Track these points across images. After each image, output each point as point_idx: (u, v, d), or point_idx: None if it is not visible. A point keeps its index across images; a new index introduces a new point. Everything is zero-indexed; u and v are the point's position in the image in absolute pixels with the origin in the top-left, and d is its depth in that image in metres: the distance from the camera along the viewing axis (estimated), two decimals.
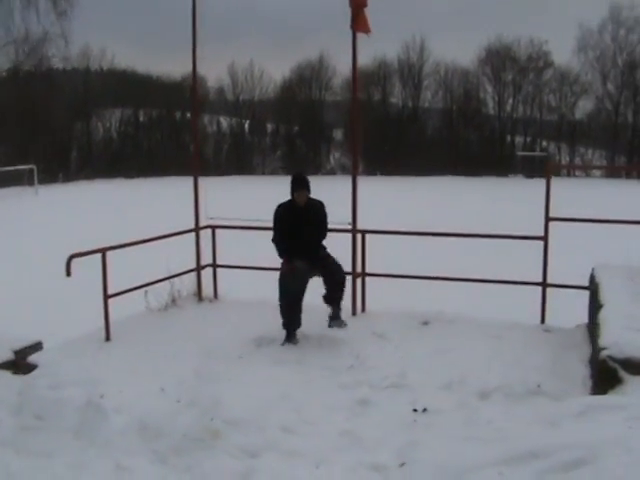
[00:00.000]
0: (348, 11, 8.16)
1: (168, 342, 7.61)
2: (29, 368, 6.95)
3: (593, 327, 6.05)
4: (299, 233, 7.55)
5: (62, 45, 49.04)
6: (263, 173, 68.09)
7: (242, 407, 5.13)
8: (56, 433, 5.43)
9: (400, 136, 64.38)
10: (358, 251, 8.71)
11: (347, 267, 8.57)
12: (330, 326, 7.59)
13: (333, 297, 7.60)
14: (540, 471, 3.87)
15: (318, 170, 68.15)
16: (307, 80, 69.97)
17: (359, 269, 8.81)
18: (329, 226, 7.82)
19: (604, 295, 6.34)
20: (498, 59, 67.15)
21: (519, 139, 69.16)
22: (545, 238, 8.22)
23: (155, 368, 6.66)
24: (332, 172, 67.55)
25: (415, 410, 5.33)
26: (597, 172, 63.30)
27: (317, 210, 7.68)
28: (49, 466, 4.97)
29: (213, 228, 9.55)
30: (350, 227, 8.60)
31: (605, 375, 4.99)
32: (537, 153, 65.98)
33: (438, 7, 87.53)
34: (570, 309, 8.46)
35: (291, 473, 4.37)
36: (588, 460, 3.82)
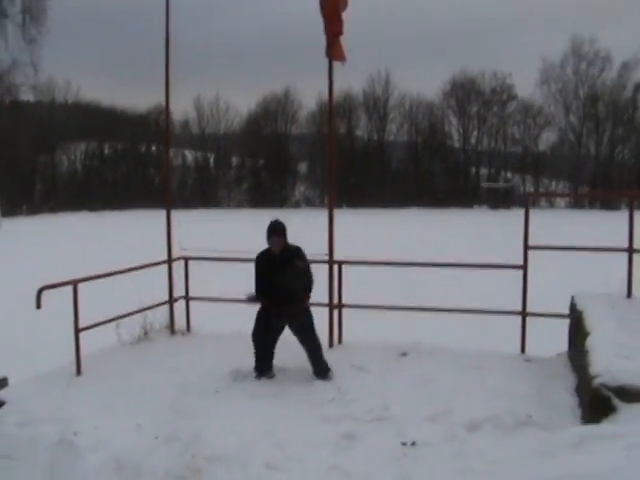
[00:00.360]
0: (323, 39, 8.11)
1: (142, 376, 7.37)
2: None
3: (580, 355, 5.97)
4: (274, 283, 7.33)
5: (31, 73, 48.20)
6: (228, 206, 67.81)
7: (223, 443, 4.93)
8: (27, 473, 5.19)
9: (366, 168, 64.74)
10: (334, 282, 8.58)
11: (324, 298, 8.46)
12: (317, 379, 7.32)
13: (309, 358, 7.43)
14: None
15: (284, 203, 68.18)
16: (273, 113, 70.20)
17: (335, 300, 8.67)
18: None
19: (590, 323, 6.28)
20: (463, 92, 68.16)
21: (484, 171, 70.03)
22: (524, 267, 8.18)
23: (130, 403, 6.42)
24: (297, 205, 67.59)
25: (404, 444, 5.17)
26: (561, 202, 64.16)
27: (293, 257, 7.34)
28: None
29: (186, 260, 9.36)
30: (327, 258, 8.47)
31: (598, 403, 4.89)
32: (501, 184, 66.82)
33: (403, 41, 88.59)
34: (547, 338, 8.40)
35: None
36: None
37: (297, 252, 7.41)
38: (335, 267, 8.59)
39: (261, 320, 7.43)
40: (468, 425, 5.43)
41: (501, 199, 63.10)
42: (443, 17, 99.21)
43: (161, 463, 4.74)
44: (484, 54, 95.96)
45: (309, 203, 68.81)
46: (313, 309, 7.64)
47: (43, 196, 62.19)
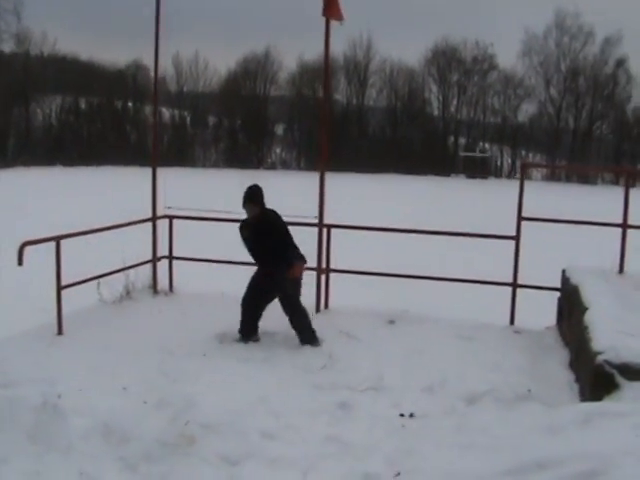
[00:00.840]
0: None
1: (125, 337, 7.16)
2: None
3: (578, 330, 5.86)
4: (252, 251, 7.19)
5: (13, 21, 46.34)
6: (203, 166, 67.11)
7: (218, 410, 4.76)
8: (8, 437, 4.93)
9: (344, 133, 64.32)
10: (323, 246, 8.41)
11: (312, 262, 8.28)
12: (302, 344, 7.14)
13: (292, 326, 7.22)
14: None
15: (260, 164, 67.69)
16: (252, 73, 69.32)
17: (324, 265, 8.50)
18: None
19: (587, 297, 6.17)
20: (444, 60, 67.83)
21: (462, 140, 69.99)
22: (517, 238, 8.06)
23: (114, 365, 6.21)
24: (273, 167, 67.13)
25: (402, 415, 5.05)
26: (537, 175, 64.40)
27: (267, 225, 7.07)
28: (2, 473, 4.50)
29: (170, 218, 9.10)
30: (316, 221, 8.28)
31: (601, 380, 4.78)
32: (479, 154, 66.90)
33: (386, 6, 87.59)
34: (534, 310, 8.34)
35: None
36: (600, 471, 3.58)
37: (274, 219, 7.14)
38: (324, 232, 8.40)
39: (254, 283, 7.24)
40: (466, 398, 5.33)
41: (478, 169, 63.20)
42: None
43: (152, 429, 4.55)
44: (467, 23, 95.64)
45: (285, 165, 68.43)
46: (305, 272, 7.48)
47: (17, 149, 60.98)
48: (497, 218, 21.79)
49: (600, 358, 4.87)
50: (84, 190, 35.77)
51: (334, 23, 8.11)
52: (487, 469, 3.87)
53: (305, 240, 7.80)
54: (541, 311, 8.44)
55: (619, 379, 4.75)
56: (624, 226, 7.85)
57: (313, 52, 74.61)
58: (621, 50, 63.44)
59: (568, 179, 61.27)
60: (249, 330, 7.25)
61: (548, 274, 8.51)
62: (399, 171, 61.54)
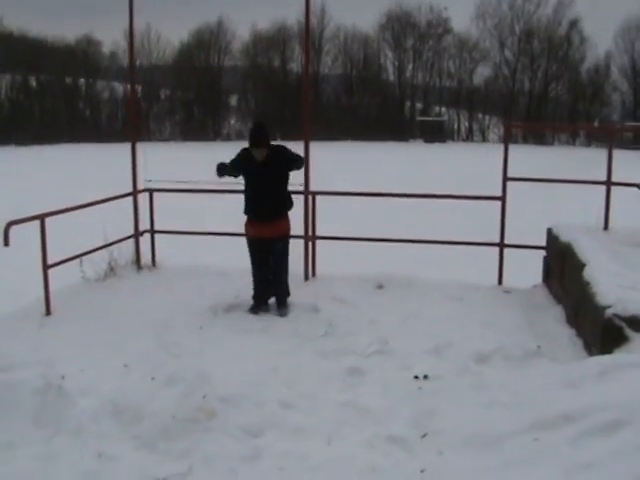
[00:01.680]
0: None
1: (116, 314, 7.04)
2: None
3: (578, 286, 5.90)
4: (254, 191, 7.04)
5: None
6: (158, 140, 66.16)
7: (232, 382, 4.69)
8: (12, 422, 4.78)
9: (299, 101, 63.86)
10: (310, 213, 8.33)
11: (299, 230, 8.22)
12: (279, 314, 7.15)
13: (274, 285, 7.23)
14: (578, 434, 3.64)
15: (217, 136, 67.04)
16: (205, 44, 68.34)
17: (310, 232, 8.44)
18: None
19: (584, 254, 6.21)
20: (398, 25, 67.64)
21: (418, 105, 70.09)
22: (503, 198, 8.08)
23: (110, 343, 6.11)
24: (228, 138, 66.44)
25: (416, 377, 5.03)
26: (494, 137, 64.93)
27: (278, 160, 6.96)
28: (11, 458, 4.36)
29: (151, 192, 8.92)
30: (302, 189, 8.19)
31: (611, 334, 4.84)
32: (435, 118, 67.08)
33: None
34: (517, 269, 8.42)
35: (302, 452, 3.99)
36: (626, 420, 3.62)
37: (282, 154, 7.01)
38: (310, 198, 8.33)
39: (253, 251, 7.21)
40: (475, 357, 5.34)
41: (435, 133, 63.43)
42: None
43: (165, 405, 4.45)
44: None
45: (240, 136, 67.81)
46: None
47: None
48: (471, 178, 21.98)
49: (609, 312, 4.92)
50: (45, 169, 34.91)
51: None
52: (513, 425, 3.89)
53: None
54: (523, 270, 8.52)
55: (628, 331, 4.81)
56: (608, 183, 7.91)
57: (266, 21, 73.86)
58: (574, 11, 64.04)
59: (525, 140, 61.83)
60: (260, 300, 7.24)
61: (530, 234, 8.58)
62: (356, 138, 61.45)
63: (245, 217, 7.24)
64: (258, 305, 7.19)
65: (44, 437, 4.54)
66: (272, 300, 7.33)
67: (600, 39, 77.18)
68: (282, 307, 7.18)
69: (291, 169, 7.07)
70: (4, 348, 5.97)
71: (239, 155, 7.10)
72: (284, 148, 7.08)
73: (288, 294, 7.30)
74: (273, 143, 7.05)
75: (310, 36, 8.44)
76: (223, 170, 6.96)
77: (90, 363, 5.54)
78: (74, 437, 4.51)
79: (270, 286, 7.25)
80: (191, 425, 4.25)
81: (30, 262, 8.33)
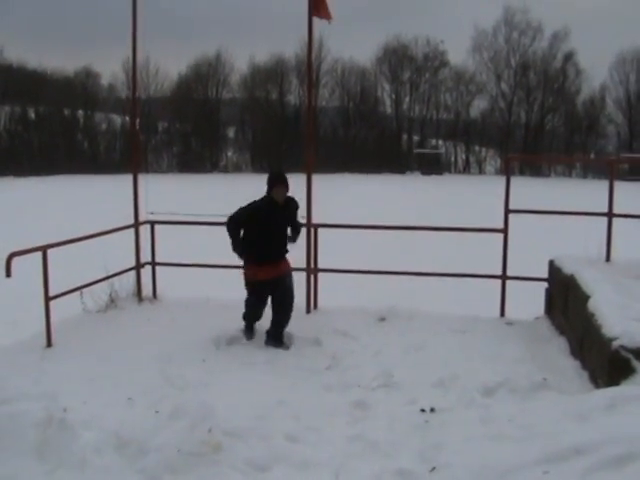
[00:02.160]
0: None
1: (118, 347, 6.99)
2: None
3: (582, 318, 5.88)
4: (270, 234, 7.07)
5: None
6: (156, 171, 66.31)
7: (238, 416, 4.65)
8: (13, 455, 4.72)
9: (297, 134, 64.19)
10: (311, 246, 8.34)
11: (301, 262, 8.22)
12: (266, 343, 7.12)
13: (277, 319, 7.20)
14: (588, 468, 3.60)
15: (215, 167, 67.27)
16: (204, 77, 68.84)
17: (312, 264, 8.43)
18: None
19: (587, 285, 6.20)
20: (395, 58, 68.28)
21: (415, 137, 70.50)
22: (505, 230, 8.10)
23: (113, 376, 6.05)
24: (225, 170, 66.64)
25: (423, 410, 5.00)
26: (491, 169, 65.28)
27: (293, 209, 7.20)
28: None
29: (152, 224, 8.93)
30: (304, 222, 8.20)
31: (617, 365, 4.81)
32: (432, 150, 67.43)
33: (337, 5, 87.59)
34: (518, 302, 8.41)
35: None
36: (636, 454, 3.60)
37: (298, 206, 7.26)
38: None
39: (254, 292, 7.21)
40: (481, 390, 5.31)
41: (432, 165, 63.70)
42: None
43: (170, 439, 4.41)
44: (417, 20, 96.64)
45: (237, 168, 68.03)
46: None
47: None
48: (469, 210, 22.00)
49: (615, 344, 4.90)
50: (45, 201, 34.92)
51: (318, 22, 8.10)
52: (522, 458, 3.85)
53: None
54: (525, 302, 8.51)
55: (635, 363, 4.78)
56: (610, 215, 7.94)
57: (264, 54, 74.54)
58: (569, 44, 64.80)
59: (522, 172, 62.08)
60: (251, 329, 7.32)
61: (531, 266, 8.58)
62: (353, 170, 61.67)
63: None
64: (249, 334, 7.30)
65: (46, 470, 4.48)
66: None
67: (595, 72, 77.79)
68: (277, 343, 7.13)
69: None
70: (5, 380, 5.90)
71: (256, 204, 7.05)
72: (297, 204, 7.27)
73: (283, 342, 7.22)
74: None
75: (312, 70, 8.49)
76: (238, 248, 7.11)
77: (93, 396, 5.50)
78: (77, 471, 4.45)
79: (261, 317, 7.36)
80: (196, 459, 4.20)
81: (30, 293, 8.32)
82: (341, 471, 4.13)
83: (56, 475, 4.45)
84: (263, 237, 7.01)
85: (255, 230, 6.99)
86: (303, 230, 7.93)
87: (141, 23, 8.43)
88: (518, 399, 5.03)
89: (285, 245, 7.20)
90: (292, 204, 7.16)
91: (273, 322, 7.18)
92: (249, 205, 7.04)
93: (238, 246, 7.07)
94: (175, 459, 4.28)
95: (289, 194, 7.12)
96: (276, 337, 7.12)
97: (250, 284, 7.19)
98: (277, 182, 6.98)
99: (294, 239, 7.27)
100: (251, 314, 7.31)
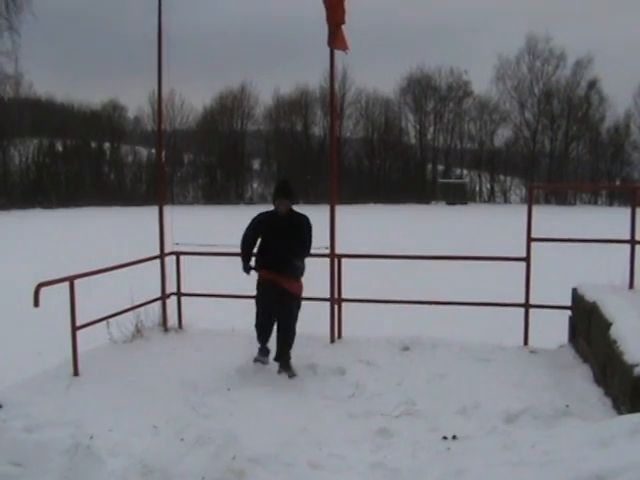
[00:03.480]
0: (325, 28, 7.93)
1: (144, 376, 7.07)
2: None
3: (605, 345, 5.88)
4: (270, 243, 7.26)
5: (7, 62, 44.85)
6: (181, 203, 66.90)
7: (263, 443, 4.70)
8: None
9: (322, 165, 64.56)
10: (335, 276, 8.40)
11: (320, 293, 8.28)
12: (278, 372, 7.18)
13: (277, 340, 7.29)
14: None
15: (241, 200, 67.69)
16: (228, 109, 69.59)
17: (335, 294, 8.49)
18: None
19: (610, 313, 6.20)
20: (419, 88, 68.57)
21: (440, 167, 70.57)
22: (527, 259, 8.11)
23: (138, 404, 6.13)
24: (251, 201, 67.03)
25: (445, 438, 5.02)
26: (517, 198, 64.97)
27: (298, 223, 7.27)
28: None
29: (177, 255, 9.06)
30: (327, 252, 8.28)
31: None
32: (457, 180, 67.39)
33: (361, 37, 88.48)
34: (541, 330, 8.40)
35: None
36: None
37: (307, 222, 7.30)
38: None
39: (260, 289, 7.33)
40: (504, 417, 5.32)
41: (456, 195, 63.63)
42: (401, 14, 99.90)
43: (194, 466, 4.47)
44: (441, 51, 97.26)
45: (263, 199, 68.35)
46: (310, 303, 7.49)
47: None
48: (494, 239, 21.94)
49: (638, 370, 4.89)
50: (71, 232, 35.36)
51: (338, 54, 8.23)
52: None
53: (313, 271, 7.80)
54: (549, 330, 8.50)
55: None
56: (632, 242, 7.93)
57: (289, 86, 75.28)
58: (592, 72, 64.65)
59: (547, 201, 61.81)
60: (262, 346, 7.34)
61: (555, 294, 8.57)
62: (378, 201, 61.81)
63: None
64: (261, 352, 7.33)
65: None
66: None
67: (619, 99, 77.53)
68: (284, 369, 7.16)
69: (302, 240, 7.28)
70: (33, 408, 6.01)
71: (259, 216, 7.41)
72: (308, 220, 7.33)
73: (289, 358, 7.27)
74: (299, 212, 7.34)
75: (335, 101, 8.61)
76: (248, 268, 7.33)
77: (119, 423, 5.57)
78: None
79: (271, 331, 7.37)
80: None
81: (57, 323, 8.44)
82: None
83: None
84: (265, 244, 7.31)
85: (261, 240, 7.34)
86: (325, 260, 8.02)
87: (166, 56, 8.62)
88: (541, 426, 5.02)
89: (288, 256, 7.10)
90: (300, 220, 7.28)
91: (276, 343, 7.29)
92: (253, 219, 7.41)
93: (244, 262, 7.34)
94: None
95: (303, 212, 7.35)
96: (280, 360, 7.21)
97: (257, 286, 7.34)
98: (277, 195, 7.31)
99: (301, 255, 7.21)
100: (257, 323, 7.31)
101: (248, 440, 4.66)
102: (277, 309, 7.22)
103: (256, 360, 7.26)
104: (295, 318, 7.31)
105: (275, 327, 7.32)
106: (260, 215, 7.42)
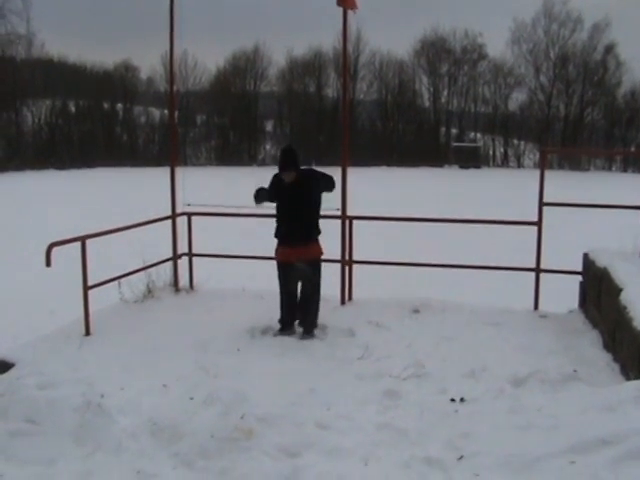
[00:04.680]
0: None
1: (154, 335, 7.14)
2: (4, 366, 6.40)
3: (615, 311, 5.87)
4: (283, 213, 7.18)
5: (18, 22, 44.14)
6: (194, 165, 66.83)
7: (270, 403, 4.75)
8: (53, 438, 4.89)
9: (335, 127, 64.18)
10: (346, 238, 8.40)
11: (332, 254, 8.28)
12: (302, 337, 7.14)
13: (300, 307, 7.29)
14: (615, 459, 3.65)
15: (253, 160, 67.57)
16: (242, 70, 69.13)
17: (347, 256, 8.49)
18: None
19: (620, 278, 6.18)
20: (433, 51, 67.78)
21: (453, 130, 70.03)
22: (539, 223, 8.07)
23: (149, 363, 6.19)
24: (263, 163, 66.86)
25: (453, 400, 5.06)
26: (530, 163, 64.50)
27: (307, 182, 7.04)
28: (51, 474, 4.45)
29: (189, 215, 9.08)
30: (339, 213, 8.25)
31: None
32: (470, 144, 66.93)
33: None
34: (552, 294, 8.39)
35: (339, 472, 4.01)
36: None
37: (311, 176, 7.13)
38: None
39: (281, 274, 7.28)
40: (512, 381, 5.34)
41: (470, 158, 63.24)
42: None
43: (204, 425, 4.53)
44: (456, 13, 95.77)
45: (275, 161, 68.10)
46: (322, 265, 7.47)
47: (7, 154, 60.50)
48: (507, 204, 21.86)
49: None
50: (86, 192, 35.46)
51: (349, 13, 8.11)
52: (550, 448, 3.89)
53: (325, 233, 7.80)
54: (560, 295, 8.49)
55: None
56: None
57: (302, 47, 74.54)
58: (610, 36, 63.59)
59: (560, 166, 61.33)
60: (286, 322, 7.28)
61: (566, 259, 8.55)
62: (391, 164, 61.56)
63: (276, 240, 7.35)
64: (284, 329, 7.25)
65: (84, 454, 4.63)
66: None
67: (636, 64, 76.39)
68: (306, 336, 7.14)
69: (322, 190, 7.16)
70: (45, 367, 6.10)
71: (271, 181, 7.25)
72: (313, 171, 7.24)
73: (315, 325, 7.26)
74: (303, 167, 7.15)
75: (348, 62, 8.52)
76: (259, 197, 7.11)
77: (129, 382, 5.64)
78: (113, 455, 4.59)
79: (296, 310, 7.31)
80: (229, 444, 4.31)
81: (68, 282, 8.52)
82: (370, 458, 4.20)
83: (93, 458, 4.59)
84: (279, 215, 7.21)
85: (276, 208, 7.23)
86: (336, 222, 8.01)
87: (179, 16, 8.53)
88: (548, 390, 5.04)
89: (307, 229, 7.09)
90: (307, 179, 7.06)
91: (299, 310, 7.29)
92: (270, 182, 7.24)
93: (257, 196, 7.17)
94: (208, 444, 4.40)
95: (308, 168, 7.25)
96: (304, 326, 7.21)
97: (277, 264, 7.34)
98: (281, 169, 7.01)
99: (329, 188, 7.18)
100: (281, 303, 7.31)
101: (257, 400, 4.72)
102: (299, 279, 7.20)
103: (276, 335, 7.21)
104: (315, 286, 7.23)
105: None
106: (273, 177, 7.21)
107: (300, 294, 7.28)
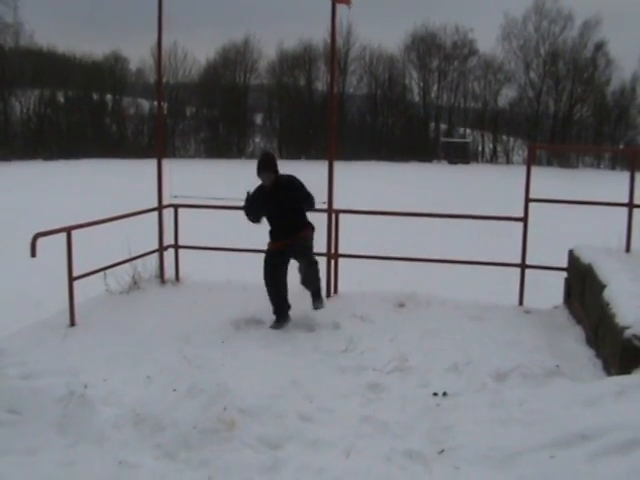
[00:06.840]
0: None
1: (139, 327, 7.15)
2: None
3: (598, 307, 5.91)
4: (271, 218, 7.32)
5: (6, 10, 44.07)
6: (183, 157, 66.66)
7: (252, 395, 4.75)
8: (35, 428, 4.87)
9: (324, 121, 64.05)
10: (332, 231, 8.41)
11: (322, 248, 8.29)
12: (314, 308, 7.30)
13: (304, 281, 7.32)
14: (594, 453, 3.67)
15: (242, 153, 67.47)
16: (232, 63, 68.96)
17: (332, 250, 8.51)
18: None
19: (604, 275, 6.22)
20: (424, 46, 67.88)
21: (443, 126, 70.16)
22: (525, 219, 8.10)
23: (133, 355, 6.18)
24: (252, 156, 66.75)
25: (435, 394, 5.08)
26: (519, 159, 64.70)
27: (287, 185, 7.22)
28: (34, 464, 4.43)
29: (175, 207, 9.06)
30: (325, 207, 8.27)
31: (629, 354, 4.84)
32: (460, 139, 67.06)
33: None
34: (536, 290, 8.44)
35: (320, 464, 4.02)
36: None
37: (290, 183, 7.25)
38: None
39: (268, 260, 7.30)
40: (494, 375, 5.37)
41: (459, 154, 63.39)
42: None
43: (186, 416, 4.53)
44: (446, 8, 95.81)
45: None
46: None
47: None
48: (494, 200, 21.94)
49: (628, 332, 4.93)
50: (74, 184, 35.27)
51: (340, 7, 8.11)
52: (530, 442, 3.91)
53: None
54: (544, 291, 8.55)
55: None
56: (630, 205, 7.91)
57: (292, 40, 74.51)
58: (600, 34, 63.91)
59: (549, 163, 61.55)
60: (281, 313, 7.31)
61: (551, 256, 8.60)
62: (380, 158, 61.60)
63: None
64: (279, 319, 7.26)
65: (67, 444, 4.60)
66: (292, 312, 7.42)
67: (626, 62, 76.81)
68: (317, 300, 7.29)
69: (300, 203, 7.27)
70: (29, 356, 6.05)
71: (253, 193, 7.33)
72: (293, 178, 7.31)
73: (319, 288, 7.38)
74: (284, 174, 7.30)
75: (336, 56, 8.52)
76: (251, 214, 7.34)
77: (113, 373, 5.63)
78: (96, 445, 4.58)
79: (287, 299, 7.35)
80: (211, 435, 4.31)
81: (54, 273, 8.48)
82: (352, 450, 4.21)
83: (76, 449, 4.57)
84: (269, 220, 7.34)
85: (266, 218, 7.37)
86: (324, 215, 8.03)
87: (168, 8, 8.50)
88: (530, 385, 5.07)
89: (293, 221, 7.21)
90: (287, 182, 7.23)
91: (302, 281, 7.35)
92: (248, 196, 7.29)
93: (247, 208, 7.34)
94: (191, 435, 4.39)
95: (287, 173, 7.35)
96: (312, 293, 7.32)
97: (265, 254, 7.38)
98: (259, 171, 7.18)
99: (308, 208, 7.34)
100: (270, 293, 7.31)
101: (239, 391, 4.71)
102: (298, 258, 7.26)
103: (272, 328, 7.23)
104: (312, 259, 7.31)
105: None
106: (253, 192, 7.32)
107: (298, 272, 7.28)
